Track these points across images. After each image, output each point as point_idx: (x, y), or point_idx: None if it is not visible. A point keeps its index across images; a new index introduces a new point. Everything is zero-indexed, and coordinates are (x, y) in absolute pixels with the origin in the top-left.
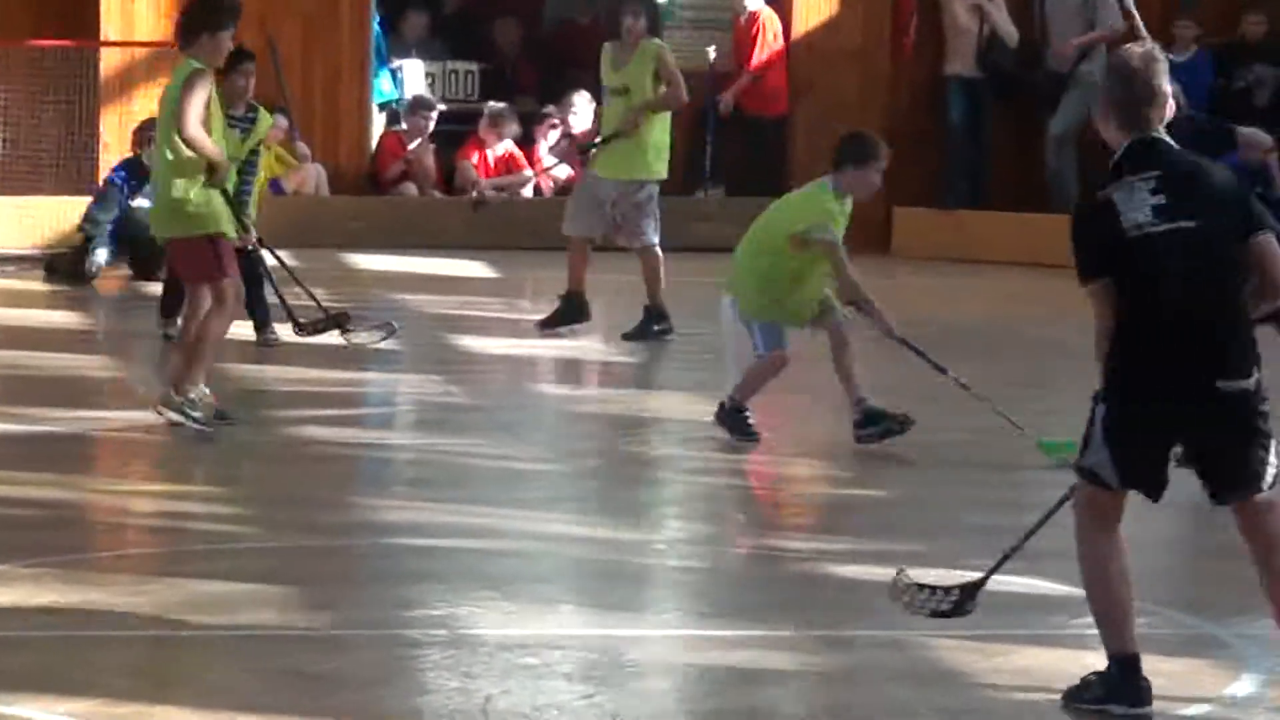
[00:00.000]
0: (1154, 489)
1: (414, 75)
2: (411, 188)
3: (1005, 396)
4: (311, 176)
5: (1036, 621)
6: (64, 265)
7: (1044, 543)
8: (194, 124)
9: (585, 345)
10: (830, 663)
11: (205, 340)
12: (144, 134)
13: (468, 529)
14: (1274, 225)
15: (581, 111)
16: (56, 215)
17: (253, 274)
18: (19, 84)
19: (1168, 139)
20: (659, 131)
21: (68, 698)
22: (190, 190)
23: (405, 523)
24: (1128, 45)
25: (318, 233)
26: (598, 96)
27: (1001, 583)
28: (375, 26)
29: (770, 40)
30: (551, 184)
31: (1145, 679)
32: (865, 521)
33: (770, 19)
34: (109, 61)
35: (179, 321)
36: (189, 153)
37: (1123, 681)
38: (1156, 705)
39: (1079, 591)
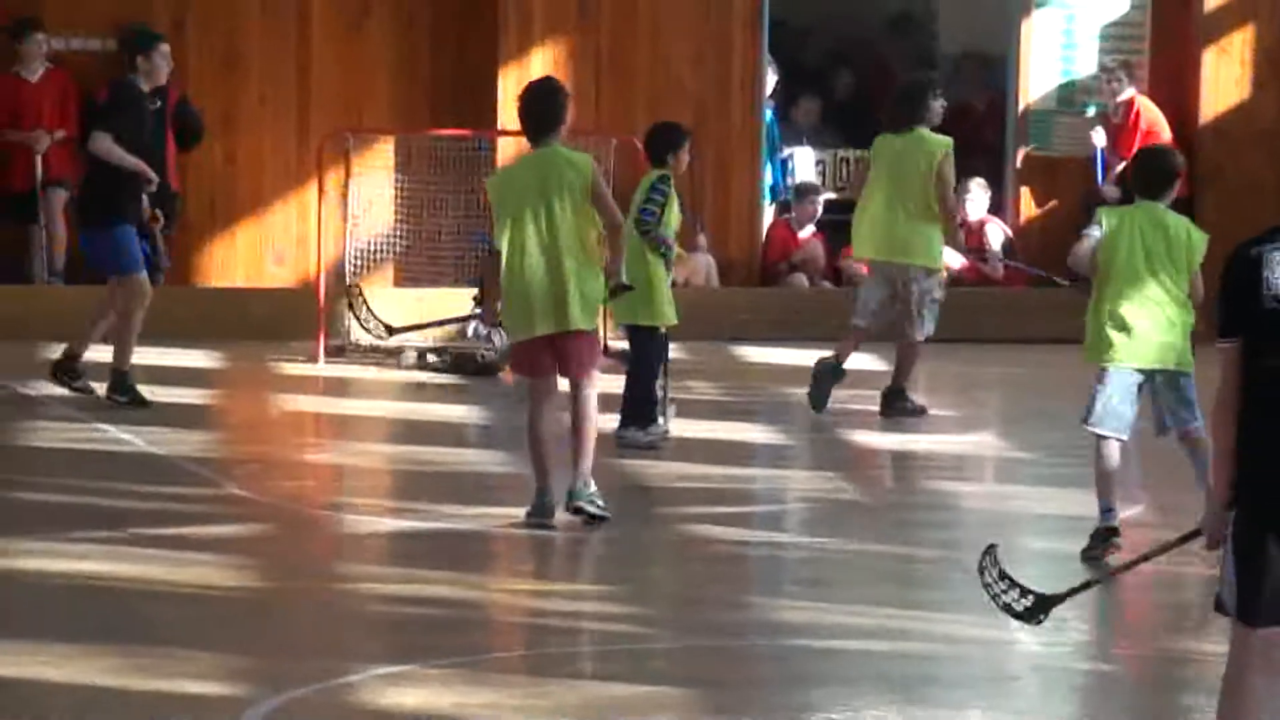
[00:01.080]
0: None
1: (804, 163)
2: (802, 279)
3: None
4: (702, 267)
5: None
6: (466, 359)
7: None
8: None
9: (977, 440)
10: None
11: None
12: None
13: (866, 630)
14: None
15: (977, 198)
16: (458, 306)
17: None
18: (420, 174)
19: None
20: None
21: None
22: None
23: (802, 624)
24: None
25: (706, 324)
26: (993, 181)
27: None
28: (768, 114)
29: (1149, 125)
30: (946, 272)
31: None
32: None
33: (1146, 106)
34: (505, 151)
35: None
36: None
37: None
38: None
39: None
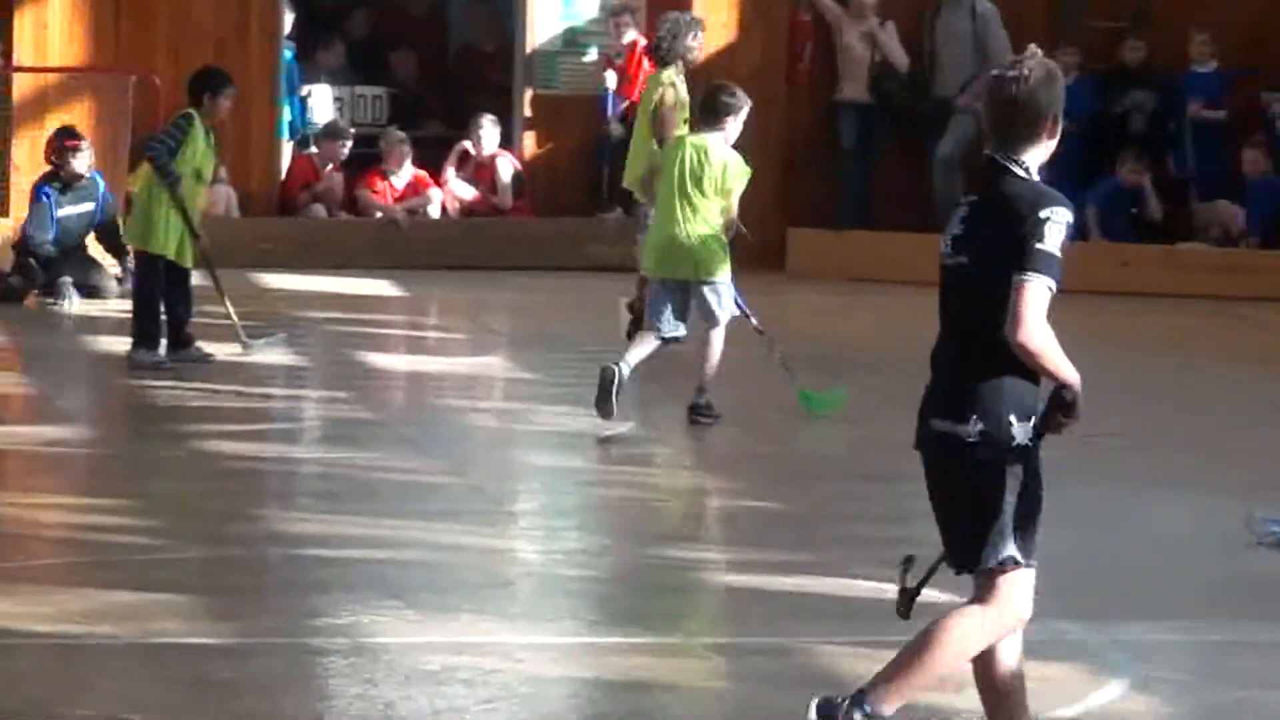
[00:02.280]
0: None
1: (322, 101)
2: (320, 210)
3: (887, 411)
4: (222, 198)
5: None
6: None
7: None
8: None
9: (488, 361)
10: (717, 668)
11: None
12: (59, 143)
13: (373, 540)
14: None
15: (489, 134)
16: None
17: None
18: None
19: (1010, 161)
20: None
21: None
22: None
23: (311, 534)
24: (1017, 56)
25: (228, 253)
26: (503, 119)
27: (882, 591)
28: (287, 54)
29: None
30: (457, 205)
31: None
32: (759, 532)
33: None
34: (21, 86)
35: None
36: None
37: None
38: (1035, 706)
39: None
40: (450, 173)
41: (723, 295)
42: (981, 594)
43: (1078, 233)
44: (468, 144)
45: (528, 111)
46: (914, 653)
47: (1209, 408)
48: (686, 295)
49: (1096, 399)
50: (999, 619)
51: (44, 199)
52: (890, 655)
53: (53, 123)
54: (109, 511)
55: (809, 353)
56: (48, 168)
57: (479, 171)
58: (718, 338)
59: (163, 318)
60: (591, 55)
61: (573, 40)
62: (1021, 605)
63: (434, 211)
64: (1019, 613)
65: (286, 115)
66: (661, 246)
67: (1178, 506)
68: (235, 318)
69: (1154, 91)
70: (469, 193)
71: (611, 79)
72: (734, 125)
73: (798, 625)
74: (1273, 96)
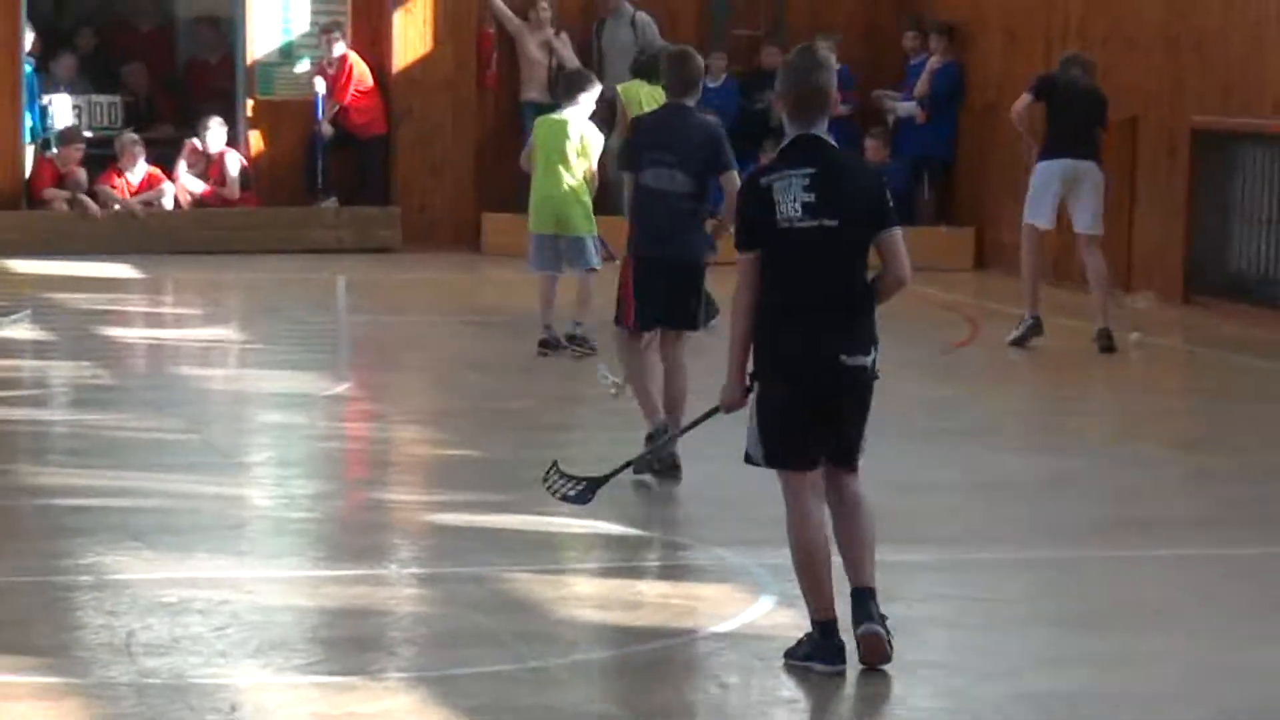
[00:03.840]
0: (805, 461)
1: (62, 108)
2: (63, 204)
3: (562, 367)
4: None
5: (598, 558)
6: None
7: (607, 490)
8: None
9: (221, 334)
10: (424, 595)
11: None
12: None
13: (116, 491)
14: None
15: (215, 134)
16: None
17: None
18: None
19: (826, 137)
20: None
21: None
22: None
23: (59, 486)
24: (804, 46)
25: None
26: (229, 121)
27: (568, 524)
28: (27, 67)
29: (359, 76)
30: (189, 197)
31: (841, 640)
32: (460, 477)
33: (356, 61)
34: None
35: None
36: None
37: (823, 640)
38: (693, 623)
39: (635, 531)
40: (182, 168)
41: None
42: (856, 479)
43: None
44: (196, 142)
45: (250, 114)
46: (867, 538)
47: None
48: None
49: None
50: None
51: None
52: (567, 579)
53: None
54: None
55: (502, 320)
56: None
57: (209, 167)
58: (586, 282)
59: None
60: (305, 66)
61: (289, 52)
62: None
63: (168, 203)
64: None
65: (28, 121)
66: (537, 205)
67: None
68: None
69: None
70: (199, 186)
71: (321, 85)
72: (586, 100)
73: (494, 556)
74: (884, 93)
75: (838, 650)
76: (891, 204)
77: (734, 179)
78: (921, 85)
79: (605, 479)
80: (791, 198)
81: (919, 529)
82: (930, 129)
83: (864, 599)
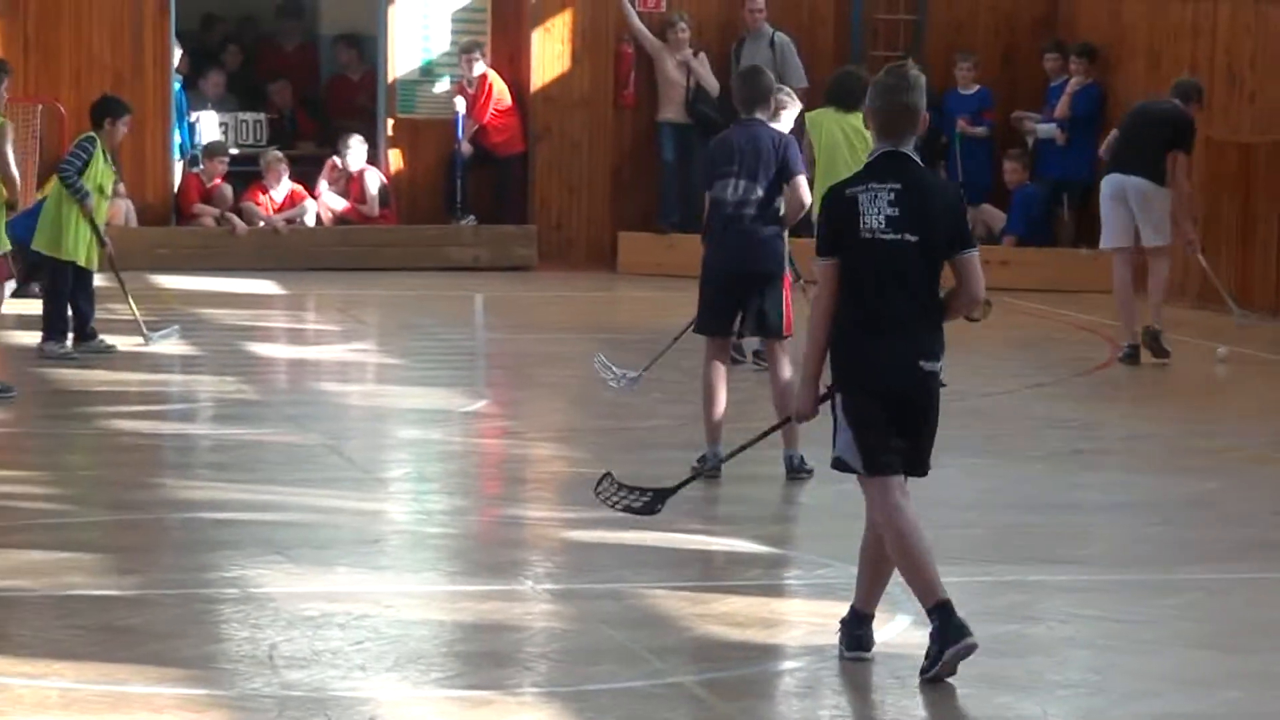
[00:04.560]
0: (897, 465)
1: (209, 125)
2: (210, 220)
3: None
4: (122, 210)
5: (734, 575)
6: None
7: (742, 508)
8: None
9: (360, 349)
10: (559, 611)
11: None
12: None
13: (258, 505)
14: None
15: (356, 151)
16: None
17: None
18: None
19: (912, 154)
20: None
21: None
22: None
23: (204, 500)
24: (895, 65)
25: (128, 258)
26: (370, 139)
27: (705, 542)
28: (176, 85)
29: (498, 95)
30: (330, 214)
31: (961, 619)
32: (591, 495)
33: (495, 80)
34: None
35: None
36: None
37: (943, 621)
38: (830, 641)
39: (771, 550)
40: (323, 185)
41: None
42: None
43: None
44: (337, 159)
45: (390, 133)
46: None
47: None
48: None
49: None
50: None
51: None
52: (704, 596)
53: None
54: (24, 482)
55: (637, 340)
56: None
57: (349, 184)
58: None
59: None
60: (445, 85)
61: (429, 71)
62: None
63: (310, 220)
64: None
65: (177, 137)
66: None
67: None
68: (137, 314)
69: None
70: (340, 203)
71: (461, 104)
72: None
73: (629, 573)
74: (1024, 115)
75: (958, 629)
76: (971, 226)
77: (802, 184)
78: (1062, 107)
79: (674, 490)
80: (876, 210)
81: (1058, 549)
82: (1070, 151)
83: (946, 612)
